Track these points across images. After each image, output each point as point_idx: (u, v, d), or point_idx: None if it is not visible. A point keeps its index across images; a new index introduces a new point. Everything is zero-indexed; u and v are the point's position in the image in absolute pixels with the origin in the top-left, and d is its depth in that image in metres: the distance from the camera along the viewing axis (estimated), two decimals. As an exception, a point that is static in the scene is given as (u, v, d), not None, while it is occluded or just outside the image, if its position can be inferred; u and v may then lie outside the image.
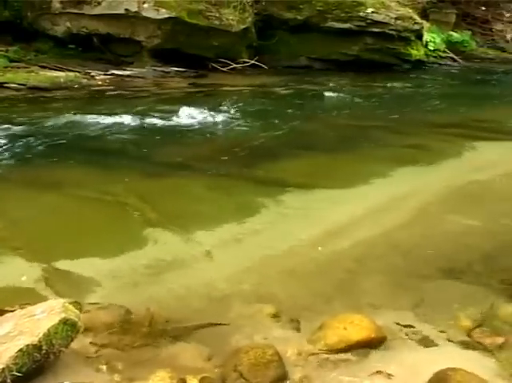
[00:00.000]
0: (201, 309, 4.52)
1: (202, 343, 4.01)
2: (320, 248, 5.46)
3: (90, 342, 3.88)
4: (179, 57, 14.20)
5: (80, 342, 3.76)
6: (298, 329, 4.22)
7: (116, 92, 12.13)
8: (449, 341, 4.14)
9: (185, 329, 4.18)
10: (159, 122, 9.73)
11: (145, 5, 13.91)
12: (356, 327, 4.00)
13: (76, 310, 3.63)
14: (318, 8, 15.42)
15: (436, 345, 4.09)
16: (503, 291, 4.80)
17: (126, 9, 13.84)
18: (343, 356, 3.89)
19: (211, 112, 10.42)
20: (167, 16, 13.89)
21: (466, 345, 4.09)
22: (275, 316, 4.37)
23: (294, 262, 5.27)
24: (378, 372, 3.72)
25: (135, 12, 13.87)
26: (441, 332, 4.23)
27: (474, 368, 3.73)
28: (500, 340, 4.13)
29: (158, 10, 13.89)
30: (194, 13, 14.07)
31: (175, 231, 5.77)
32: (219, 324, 4.25)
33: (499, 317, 4.42)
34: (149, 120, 9.73)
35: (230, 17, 14.39)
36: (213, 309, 4.50)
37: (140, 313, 4.27)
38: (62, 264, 5.07)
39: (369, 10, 15.24)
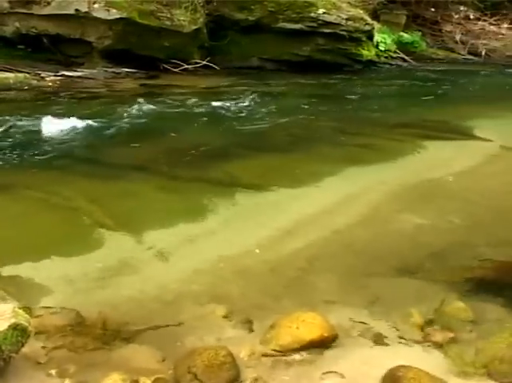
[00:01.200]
0: (154, 310, 4.49)
1: (156, 345, 3.99)
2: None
3: (42, 347, 3.84)
4: (131, 57, 14.07)
5: (32, 347, 3.72)
6: (251, 330, 4.22)
7: (66, 94, 11.98)
8: (401, 338, 4.19)
9: (138, 331, 4.15)
10: (109, 124, 9.63)
11: (96, 6, 13.77)
12: (309, 326, 4.02)
13: (26, 315, 3.59)
14: (270, 9, 15.43)
15: (389, 342, 4.14)
16: (453, 288, 4.87)
17: (76, 10, 13.66)
18: (296, 355, 3.90)
19: (162, 113, 10.38)
20: (118, 16, 13.76)
21: (418, 342, 4.14)
22: (228, 316, 4.37)
23: (247, 263, 5.27)
24: (331, 371, 3.74)
25: (86, 12, 13.71)
26: (393, 329, 4.28)
27: (426, 364, 3.78)
28: (451, 335, 4.20)
29: (109, 11, 13.76)
30: (145, 13, 13.97)
31: (127, 234, 5.73)
32: (172, 325, 4.24)
33: (450, 313, 4.48)
34: (100, 122, 9.61)
35: (182, 18, 14.33)
36: (166, 311, 4.48)
37: (93, 317, 4.24)
38: (12, 269, 4.99)
39: (320, 11, 15.30)
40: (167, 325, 4.24)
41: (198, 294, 4.73)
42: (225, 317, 4.38)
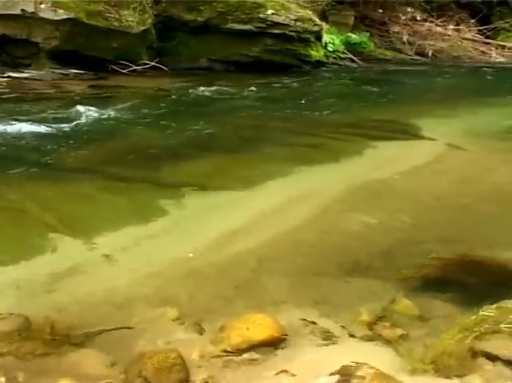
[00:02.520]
0: (103, 314, 4.43)
1: (106, 349, 3.94)
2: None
3: (-13, 354, 3.78)
4: (79, 58, 13.92)
5: (-23, 355, 3.66)
6: (201, 332, 4.21)
7: (12, 95, 11.78)
8: (351, 336, 4.21)
9: (88, 335, 4.10)
10: (57, 126, 9.49)
11: (42, 6, 13.58)
12: (259, 327, 4.02)
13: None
14: (219, 9, 15.42)
15: (339, 340, 4.15)
16: (402, 285, 4.92)
17: (22, 10, 13.45)
18: (246, 356, 3.90)
19: (111, 115, 10.29)
20: (65, 17, 13.59)
21: (367, 340, 4.17)
22: (178, 319, 4.35)
23: (196, 264, 5.25)
24: (282, 371, 3.75)
25: (32, 13, 13.51)
26: (343, 328, 4.29)
27: (376, 361, 3.79)
28: (400, 332, 4.24)
29: (56, 11, 13.58)
30: (93, 14, 13.84)
31: (75, 237, 5.65)
32: (123, 329, 4.20)
33: (399, 310, 4.53)
34: (47, 124, 9.47)
35: (130, 19, 14.23)
36: (116, 315, 4.43)
37: (41, 322, 4.16)
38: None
39: (269, 12, 15.35)
40: (118, 329, 4.19)
41: (148, 297, 4.69)
42: (175, 319, 4.35)
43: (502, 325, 4.11)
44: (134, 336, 4.12)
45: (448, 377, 3.75)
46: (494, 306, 4.30)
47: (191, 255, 5.38)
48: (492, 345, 4.00)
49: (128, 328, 4.21)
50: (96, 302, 4.60)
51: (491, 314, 4.20)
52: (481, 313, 4.20)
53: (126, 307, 4.53)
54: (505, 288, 4.86)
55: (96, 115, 10.16)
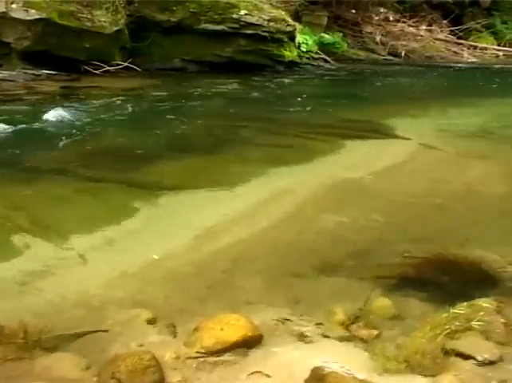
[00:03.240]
0: (77, 317, 4.40)
1: (80, 352, 3.91)
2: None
3: (-42, 360, 3.73)
4: (51, 59, 13.80)
5: None
6: (175, 333, 4.19)
7: (-17, 97, 11.70)
8: (326, 336, 4.21)
9: (61, 338, 4.07)
10: (29, 127, 9.43)
11: (13, 6, 13.45)
12: (233, 327, 4.01)
13: None
14: (192, 10, 15.38)
15: (313, 341, 4.15)
16: (377, 285, 4.94)
17: (-7, 10, 13.36)
18: (221, 357, 3.88)
19: (83, 116, 10.23)
20: (37, 17, 13.47)
21: (342, 340, 4.17)
22: (152, 321, 4.32)
23: (170, 265, 5.24)
24: (256, 372, 3.75)
25: (3, 12, 13.36)
26: (318, 328, 4.30)
27: (351, 361, 3.82)
28: (374, 332, 4.26)
29: (27, 11, 13.46)
30: (65, 14, 13.72)
31: (48, 238, 5.62)
32: (96, 332, 4.17)
33: (373, 310, 4.54)
34: (19, 125, 9.41)
35: (103, 19, 14.14)
36: (90, 317, 4.40)
37: (13, 325, 4.11)
38: None
39: (242, 12, 15.34)
40: (91, 332, 4.16)
41: (122, 299, 4.67)
42: (149, 321, 4.32)
43: (473, 323, 4.15)
44: (108, 338, 4.09)
45: (421, 376, 3.78)
46: (465, 303, 4.34)
47: (156, 257, 5.34)
48: (464, 344, 4.04)
49: (102, 331, 4.18)
50: (69, 304, 4.57)
51: (462, 312, 4.24)
52: (452, 311, 4.24)
53: (99, 309, 4.51)
54: (477, 286, 4.92)
55: (69, 116, 10.09)
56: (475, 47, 21.17)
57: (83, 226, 6.00)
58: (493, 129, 10.93)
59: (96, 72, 14.44)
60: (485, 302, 4.40)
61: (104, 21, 14.15)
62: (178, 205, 6.66)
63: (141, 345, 3.99)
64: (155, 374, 3.65)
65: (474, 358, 3.93)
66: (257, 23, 15.35)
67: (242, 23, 15.31)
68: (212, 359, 3.88)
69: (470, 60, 20.21)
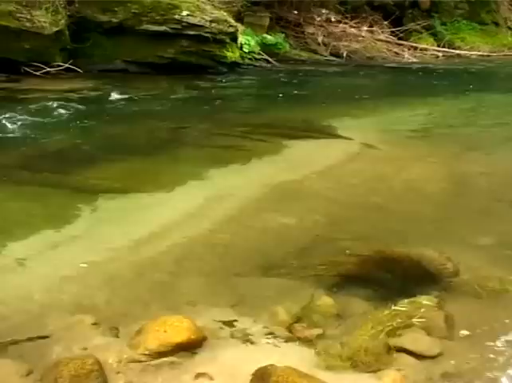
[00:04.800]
0: (18, 323, 4.33)
1: (21, 358, 3.86)
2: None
3: None
4: (-11, 61, 13.58)
5: None
6: (119, 336, 4.16)
7: None
8: (269, 336, 4.22)
9: (2, 345, 4.00)
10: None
11: (-51, 6, 13.19)
12: (176, 329, 3.99)
13: None
14: (133, 10, 15.24)
15: (257, 341, 4.17)
16: (320, 284, 4.98)
17: None
18: (165, 359, 3.87)
19: (23, 118, 10.05)
20: (-27, 17, 13.25)
21: (286, 339, 4.20)
22: (95, 325, 4.28)
23: (113, 269, 5.19)
24: (200, 374, 3.75)
25: None
26: (261, 328, 4.31)
27: (295, 360, 3.85)
28: (318, 331, 4.29)
29: (-36, 12, 13.22)
30: (3, 14, 13.46)
31: (-14, 243, 5.53)
32: (38, 337, 4.11)
33: (317, 309, 4.58)
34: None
35: (42, 20, 13.92)
36: (31, 322, 4.34)
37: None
38: None
39: (184, 13, 15.27)
40: (33, 337, 4.10)
41: (63, 304, 4.62)
42: (92, 325, 4.28)
43: (414, 320, 4.23)
44: (50, 344, 4.05)
45: (365, 373, 3.83)
46: (406, 301, 4.42)
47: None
48: (406, 340, 4.11)
49: (44, 336, 4.12)
50: (9, 310, 4.49)
51: (403, 309, 4.31)
52: (393, 308, 4.31)
53: (40, 315, 4.45)
54: (418, 283, 5.00)
55: (8, 118, 9.92)
56: (416, 48, 21.45)
57: (23, 230, 5.89)
58: (433, 128, 11.13)
59: (37, 73, 14.21)
60: (425, 299, 4.49)
61: (44, 22, 13.93)
62: (120, 208, 6.60)
63: (84, 350, 3.96)
64: (98, 378, 3.63)
65: (416, 354, 4.01)
66: (200, 24, 15.30)
67: (184, 24, 15.23)
68: (156, 361, 3.87)
69: (410, 60, 20.46)
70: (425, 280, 5.11)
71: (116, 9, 15.21)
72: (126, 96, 12.39)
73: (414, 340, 4.12)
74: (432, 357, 4.00)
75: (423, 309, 4.35)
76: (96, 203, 6.65)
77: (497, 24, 23.61)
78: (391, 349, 4.04)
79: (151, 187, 7.19)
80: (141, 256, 5.44)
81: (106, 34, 15.19)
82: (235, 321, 4.39)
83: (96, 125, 10.20)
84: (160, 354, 3.90)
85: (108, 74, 14.70)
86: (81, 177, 7.47)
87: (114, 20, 15.19)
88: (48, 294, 4.74)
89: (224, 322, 4.34)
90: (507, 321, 4.54)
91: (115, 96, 12.38)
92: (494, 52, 22.22)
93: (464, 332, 4.34)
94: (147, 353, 3.90)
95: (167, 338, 3.95)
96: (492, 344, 4.25)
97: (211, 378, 3.72)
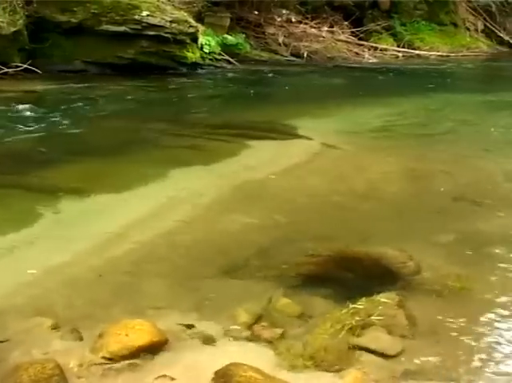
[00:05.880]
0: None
1: (-22, 365, 3.82)
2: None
3: None
4: None
5: None
6: (80, 340, 4.13)
7: None
8: (231, 337, 4.23)
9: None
10: None
11: None
12: (138, 332, 3.98)
13: None
14: (93, 11, 15.12)
15: (219, 343, 4.17)
16: (281, 284, 4.98)
17: None
18: (126, 363, 3.85)
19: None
20: None
21: (248, 340, 4.21)
22: (56, 328, 4.24)
23: (72, 271, 5.14)
24: (162, 376, 3.74)
25: None
26: (223, 329, 4.31)
27: (257, 361, 3.85)
28: (279, 331, 4.30)
29: None
30: (-40, 15, 13.33)
31: None
32: (-4, 343, 4.07)
33: (277, 309, 4.59)
34: None
35: (0, 20, 13.78)
36: (-13, 328, 4.29)
37: None
38: None
39: (144, 13, 15.19)
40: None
41: (23, 308, 4.56)
42: (52, 329, 4.24)
43: (374, 317, 4.26)
44: (9, 348, 4.00)
45: (327, 372, 3.85)
46: (365, 299, 4.45)
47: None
48: (367, 338, 4.15)
49: (2, 341, 4.07)
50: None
51: (362, 307, 4.34)
52: (351, 306, 4.34)
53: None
54: (380, 281, 5.04)
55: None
56: (376, 48, 21.58)
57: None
58: (392, 128, 11.19)
59: (-6, 74, 14.05)
60: (384, 297, 4.52)
61: (2, 22, 13.78)
62: (80, 209, 6.55)
63: (45, 354, 3.93)
64: (59, 383, 3.59)
65: (377, 352, 4.04)
66: (160, 24, 15.24)
67: (144, 24, 15.15)
68: (118, 365, 3.85)
69: (371, 60, 20.58)
70: (386, 279, 5.14)
71: (75, 9, 15.07)
72: (86, 97, 12.28)
73: (375, 338, 4.15)
74: (394, 356, 4.03)
75: (380, 307, 4.38)
76: (56, 205, 6.58)
77: (455, 25, 23.88)
78: (352, 348, 4.06)
79: (112, 188, 7.16)
80: (102, 258, 5.40)
81: (65, 34, 15.05)
82: (197, 322, 4.38)
83: (55, 127, 10.09)
84: (122, 357, 3.88)
85: (68, 75, 14.57)
86: (40, 178, 7.39)
87: (73, 20, 15.06)
88: (6, 298, 4.66)
89: (186, 324, 4.33)
90: (467, 318, 4.59)
91: (74, 97, 12.26)
92: (453, 52, 22.47)
93: (425, 330, 4.38)
94: (108, 356, 3.88)
95: (128, 342, 3.93)
96: (453, 341, 4.30)
97: (173, 380, 3.71)
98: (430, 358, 4.05)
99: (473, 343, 4.29)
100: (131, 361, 3.88)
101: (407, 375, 3.85)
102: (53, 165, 7.93)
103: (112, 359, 3.87)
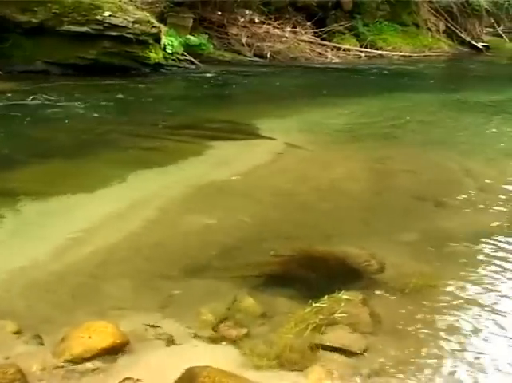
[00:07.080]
0: None
1: None
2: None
3: None
4: None
5: None
6: (42, 344, 4.10)
7: None
8: (195, 338, 4.24)
9: None
10: None
11: None
12: (101, 334, 3.97)
13: None
14: (54, 11, 14.98)
15: (183, 343, 4.18)
16: (244, 284, 5.00)
17: None
18: (89, 365, 3.84)
19: None
20: None
21: (212, 341, 4.22)
22: (17, 332, 4.20)
23: (35, 274, 5.09)
24: (126, 378, 3.72)
25: None
26: (187, 330, 4.32)
27: (221, 361, 3.86)
28: (243, 331, 4.31)
29: None
30: None
31: None
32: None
33: (242, 309, 4.60)
34: None
35: (-43, 20, 13.60)
36: None
37: None
38: None
39: (107, 14, 15.09)
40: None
41: (-17, 311, 4.51)
42: (14, 333, 4.20)
43: (336, 315, 4.28)
44: (-30, 353, 3.94)
45: (292, 371, 3.86)
46: (327, 297, 4.47)
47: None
48: (331, 336, 4.17)
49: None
50: None
51: (324, 305, 4.36)
52: (314, 305, 4.36)
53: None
54: (343, 280, 5.07)
55: None
56: (339, 48, 21.68)
57: None
58: (356, 128, 11.23)
59: (-47, 75, 13.85)
60: (347, 295, 4.55)
61: (-39, 22, 13.60)
62: (42, 212, 6.46)
63: (6, 358, 3.88)
64: (20, 387, 3.56)
65: (341, 350, 4.07)
66: (122, 25, 15.14)
67: (106, 25, 15.05)
68: (80, 368, 3.83)
69: (334, 61, 20.68)
70: (350, 277, 5.18)
71: (35, 9, 14.91)
72: (47, 98, 12.14)
73: (339, 336, 4.18)
74: (358, 353, 4.06)
75: (343, 305, 4.41)
76: (17, 207, 6.50)
77: (417, 25, 24.12)
78: (316, 347, 4.08)
79: (74, 189, 7.09)
80: (63, 261, 5.35)
81: (26, 35, 14.88)
82: (161, 323, 4.39)
83: (16, 128, 9.97)
84: (85, 360, 3.86)
85: (29, 75, 14.38)
86: (0, 180, 7.30)
87: (34, 20, 14.89)
88: (-34, 302, 4.62)
89: (149, 325, 4.33)
90: (430, 315, 4.65)
91: (34, 98, 12.13)
92: (415, 52, 22.71)
93: (389, 327, 4.42)
94: (71, 359, 3.86)
95: (91, 344, 3.92)
96: (416, 338, 4.35)
97: (137, 381, 3.69)
98: (394, 355, 4.09)
99: (436, 339, 4.33)
100: (94, 364, 3.87)
101: (371, 372, 3.89)
102: (14, 167, 7.82)
103: (74, 362, 3.85)
